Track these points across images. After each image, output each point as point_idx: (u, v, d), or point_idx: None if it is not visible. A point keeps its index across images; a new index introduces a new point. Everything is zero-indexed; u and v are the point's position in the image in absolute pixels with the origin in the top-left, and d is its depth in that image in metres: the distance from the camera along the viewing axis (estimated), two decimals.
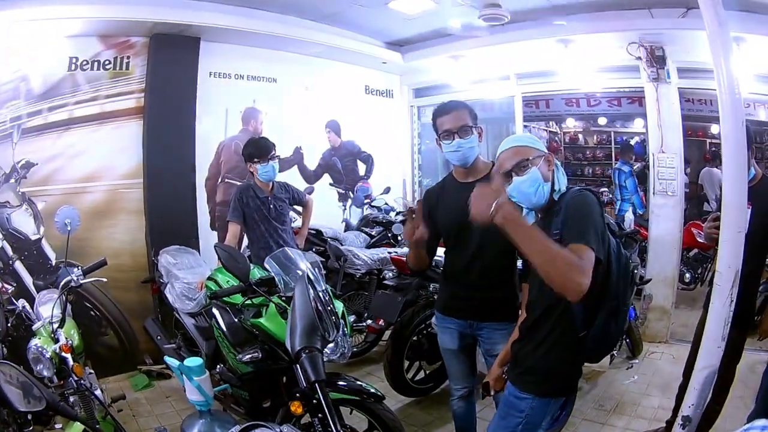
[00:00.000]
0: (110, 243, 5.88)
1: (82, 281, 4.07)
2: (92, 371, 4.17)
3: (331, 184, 8.19)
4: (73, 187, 5.72)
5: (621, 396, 5.11)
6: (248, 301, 3.66)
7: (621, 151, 9.91)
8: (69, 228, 5.52)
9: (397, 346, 4.94)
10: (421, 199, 3.45)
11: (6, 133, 5.38)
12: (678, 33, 5.87)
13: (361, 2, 6.32)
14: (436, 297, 3.56)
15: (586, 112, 10.05)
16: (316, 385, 2.69)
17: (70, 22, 5.41)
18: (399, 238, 7.12)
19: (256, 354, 3.54)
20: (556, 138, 12.50)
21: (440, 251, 3.50)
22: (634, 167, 9.08)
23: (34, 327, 3.78)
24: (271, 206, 4.97)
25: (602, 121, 11.79)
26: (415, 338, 5.01)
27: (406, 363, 5.04)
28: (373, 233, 7.46)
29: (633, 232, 6.46)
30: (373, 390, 3.35)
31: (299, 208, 5.75)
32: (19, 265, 5.37)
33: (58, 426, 2.99)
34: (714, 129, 10.09)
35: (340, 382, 3.31)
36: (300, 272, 3.43)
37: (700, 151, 10.98)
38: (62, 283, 3.99)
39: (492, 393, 2.90)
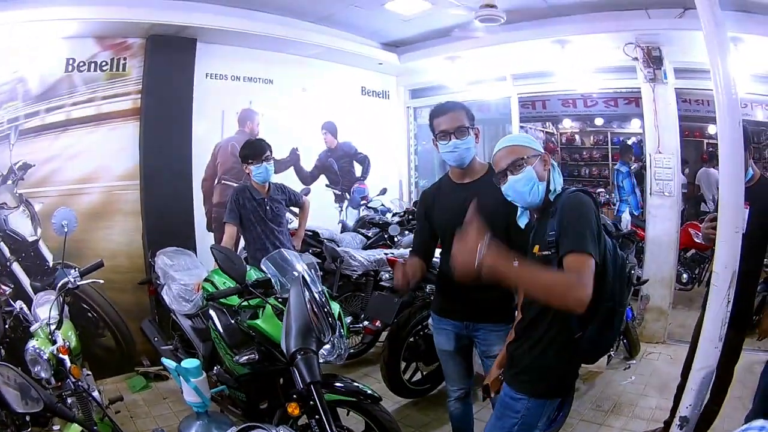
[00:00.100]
0: (107, 244, 5.88)
1: (79, 283, 4.06)
2: (90, 373, 4.17)
3: (327, 186, 8.18)
4: (70, 188, 5.72)
5: (618, 396, 5.11)
6: (245, 303, 3.66)
7: (620, 152, 9.92)
8: (66, 229, 5.51)
9: (393, 347, 4.93)
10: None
11: (3, 134, 5.38)
12: (675, 33, 5.87)
13: (357, 3, 6.33)
14: (432, 298, 3.55)
15: (582, 112, 10.08)
16: (311, 386, 2.69)
17: (67, 24, 5.41)
18: (395, 239, 7.13)
19: (253, 355, 3.54)
20: (553, 139, 12.54)
21: (437, 252, 3.50)
22: (632, 168, 9.09)
23: (32, 328, 3.78)
24: (268, 208, 4.97)
25: (599, 121, 11.84)
26: (411, 339, 5.00)
27: (403, 364, 5.03)
28: (369, 234, 7.45)
29: (630, 232, 6.47)
30: (370, 391, 3.34)
31: (296, 210, 5.74)
32: (16, 267, 5.37)
33: (55, 427, 2.99)
34: (711, 129, 10.11)
35: (337, 384, 3.31)
36: (296, 274, 3.43)
37: (698, 152, 11.01)
38: (59, 285, 3.98)
39: (492, 395, 2.89)
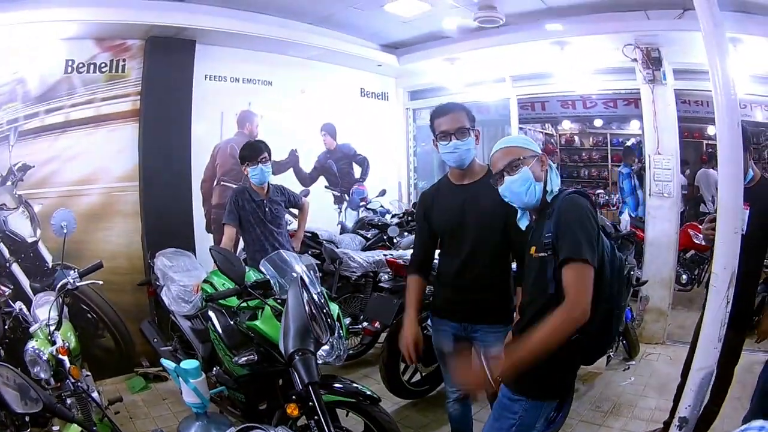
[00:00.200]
0: (106, 245, 5.88)
1: (78, 284, 4.05)
2: (89, 373, 4.16)
3: (326, 187, 8.19)
4: (70, 189, 5.73)
5: (618, 397, 5.11)
6: (244, 304, 3.67)
7: (623, 154, 9.91)
8: (65, 231, 5.52)
9: (393, 348, 4.91)
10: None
11: (3, 135, 5.38)
12: (674, 34, 5.87)
13: (356, 5, 6.33)
14: (431, 299, 3.55)
15: (581, 114, 10.03)
16: (310, 387, 2.69)
17: (66, 25, 5.41)
18: (394, 240, 7.13)
19: (252, 356, 3.54)
20: (552, 140, 12.50)
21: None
22: (635, 169, 9.09)
23: (31, 329, 3.78)
24: (267, 209, 4.97)
25: (598, 123, 11.80)
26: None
27: (402, 365, 5.02)
28: (368, 236, 7.45)
29: (629, 233, 6.47)
30: (369, 392, 3.34)
31: (295, 211, 5.73)
32: (15, 268, 5.37)
33: (55, 428, 2.99)
34: (710, 130, 10.08)
35: (336, 385, 3.31)
36: (295, 275, 3.43)
37: (697, 153, 11.00)
38: (59, 286, 3.98)
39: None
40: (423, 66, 8.12)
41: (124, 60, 5.92)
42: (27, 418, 2.46)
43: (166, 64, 6.11)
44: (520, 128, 8.23)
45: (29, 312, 4.08)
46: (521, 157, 2.51)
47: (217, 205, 6.70)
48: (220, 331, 3.88)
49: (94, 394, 3.66)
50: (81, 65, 5.71)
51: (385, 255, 5.98)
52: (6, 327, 3.98)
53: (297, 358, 2.73)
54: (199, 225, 6.56)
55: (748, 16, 5.29)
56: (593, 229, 2.33)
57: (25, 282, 5.35)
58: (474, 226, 3.12)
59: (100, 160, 5.87)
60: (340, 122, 8.21)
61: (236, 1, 6.13)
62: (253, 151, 4.89)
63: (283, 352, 2.82)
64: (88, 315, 5.72)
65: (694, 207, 10.50)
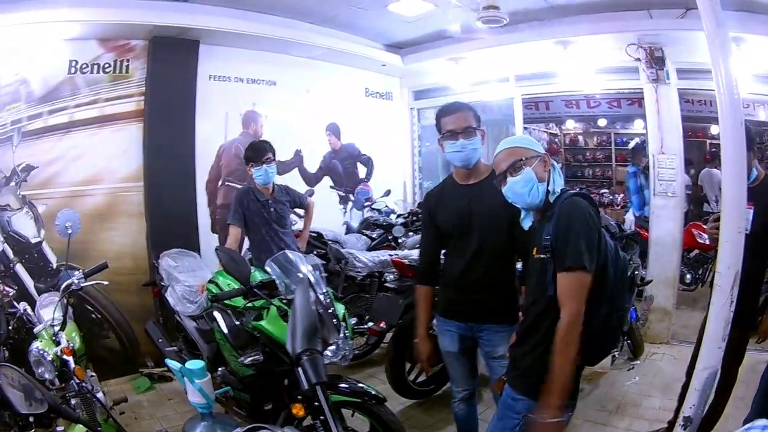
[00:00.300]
0: (111, 246, 5.89)
1: (83, 284, 4.06)
2: (94, 374, 4.16)
3: (331, 187, 8.19)
4: (74, 190, 5.74)
5: (622, 397, 5.11)
6: (249, 304, 3.67)
7: (632, 154, 9.88)
8: (70, 231, 5.53)
9: (398, 348, 4.93)
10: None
11: (6, 136, 5.40)
12: (677, 34, 5.86)
13: (360, 5, 6.34)
14: (436, 299, 3.55)
15: (585, 113, 10.02)
16: (317, 387, 2.69)
17: (70, 25, 5.43)
18: (399, 240, 7.13)
19: (258, 356, 3.55)
20: (556, 140, 12.51)
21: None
22: (641, 168, 9.07)
23: (36, 330, 3.77)
24: (272, 209, 4.97)
25: (602, 122, 11.80)
26: (416, 340, 4.99)
27: (408, 365, 5.03)
28: (373, 236, 7.45)
29: (633, 233, 6.45)
30: (374, 392, 3.34)
31: (300, 211, 5.73)
32: (20, 268, 5.37)
33: (59, 429, 2.99)
34: (714, 130, 10.05)
35: (342, 385, 3.31)
36: (301, 275, 3.43)
37: (700, 152, 10.97)
38: (63, 286, 3.98)
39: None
40: (427, 66, 8.13)
41: (127, 60, 5.94)
42: (31, 419, 2.45)
43: (170, 64, 6.12)
44: (525, 128, 8.21)
45: (33, 312, 4.08)
46: (523, 158, 2.51)
47: (222, 206, 6.71)
48: (225, 331, 3.88)
49: (99, 395, 3.66)
50: (84, 66, 5.73)
51: (390, 255, 5.97)
52: (10, 328, 3.98)
53: (304, 358, 2.73)
54: (203, 225, 6.56)
55: (751, 15, 5.28)
56: (593, 232, 2.34)
57: (29, 282, 5.35)
58: (480, 226, 3.12)
59: (104, 161, 5.88)
60: (344, 122, 8.22)
61: (240, 1, 6.13)
62: (257, 151, 4.89)
63: (290, 351, 2.82)
64: (93, 315, 5.72)
65: (698, 206, 10.48)
